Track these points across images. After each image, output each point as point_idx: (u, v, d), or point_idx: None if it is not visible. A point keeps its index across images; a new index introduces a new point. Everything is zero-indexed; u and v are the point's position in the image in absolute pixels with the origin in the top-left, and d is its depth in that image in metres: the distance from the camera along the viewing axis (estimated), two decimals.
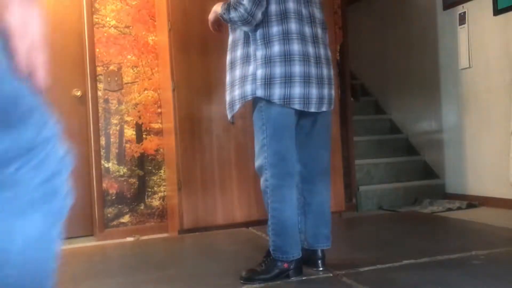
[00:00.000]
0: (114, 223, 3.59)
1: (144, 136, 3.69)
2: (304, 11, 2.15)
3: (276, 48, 2.07)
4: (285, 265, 2.13)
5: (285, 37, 2.08)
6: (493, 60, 4.05)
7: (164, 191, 3.72)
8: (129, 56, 3.67)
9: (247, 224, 3.52)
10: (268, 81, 2.07)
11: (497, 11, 3.99)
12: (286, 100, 2.07)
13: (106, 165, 3.60)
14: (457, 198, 4.38)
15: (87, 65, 3.59)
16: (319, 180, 2.28)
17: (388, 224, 3.62)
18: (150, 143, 3.71)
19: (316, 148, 2.26)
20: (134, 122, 3.67)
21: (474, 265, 2.25)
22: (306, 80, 2.09)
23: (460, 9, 4.37)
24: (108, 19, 3.64)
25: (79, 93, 3.69)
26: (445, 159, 4.67)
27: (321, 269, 2.23)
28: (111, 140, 3.62)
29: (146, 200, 3.67)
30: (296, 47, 2.08)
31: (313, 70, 2.11)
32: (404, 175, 4.76)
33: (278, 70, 2.06)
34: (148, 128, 3.71)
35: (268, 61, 2.07)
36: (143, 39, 3.70)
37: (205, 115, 3.45)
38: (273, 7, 2.09)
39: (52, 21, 3.67)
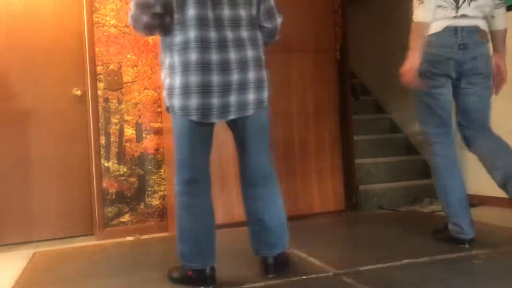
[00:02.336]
0: (114, 222, 3.59)
1: (144, 135, 3.69)
2: (211, 15, 2.02)
3: (177, 58, 2.03)
4: (189, 272, 2.13)
5: (185, 46, 2.00)
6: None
7: (164, 190, 3.72)
8: (129, 55, 3.67)
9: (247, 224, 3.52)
10: (170, 92, 2.06)
11: None
12: (185, 111, 2.03)
13: (106, 164, 3.60)
14: None
15: (87, 64, 3.59)
16: (259, 185, 2.21)
17: (388, 223, 3.61)
18: (150, 142, 3.71)
19: (251, 152, 2.20)
20: (134, 121, 3.67)
21: (474, 265, 2.25)
22: (204, 90, 2.00)
23: None
24: (108, 18, 3.64)
25: (79, 92, 3.69)
26: None
27: (271, 276, 2.19)
28: (111, 139, 3.62)
29: (146, 199, 3.67)
30: (193, 56, 1.99)
31: (214, 79, 2.00)
32: (404, 174, 4.76)
33: (177, 80, 2.03)
34: (148, 127, 3.71)
35: (171, 71, 2.06)
36: (143, 38, 3.69)
37: None
38: (176, 16, 2.02)
39: (52, 20, 3.67)
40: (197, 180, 2.14)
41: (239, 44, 2.05)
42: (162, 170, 3.72)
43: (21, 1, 3.61)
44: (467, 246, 2.50)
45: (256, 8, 2.11)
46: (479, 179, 4.26)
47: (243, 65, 2.04)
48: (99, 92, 3.60)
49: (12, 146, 3.57)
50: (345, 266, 2.30)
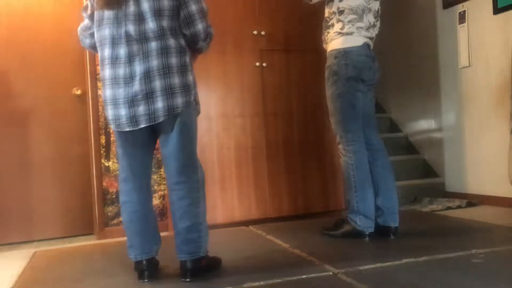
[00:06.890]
0: (114, 221, 3.60)
1: None
2: (122, 31, 2.15)
3: (100, 73, 2.26)
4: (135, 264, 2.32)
5: (102, 63, 2.22)
6: (492, 59, 4.06)
7: (164, 189, 3.72)
8: None
9: (246, 223, 3.53)
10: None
11: (497, 10, 3.99)
12: (108, 120, 2.26)
13: (106, 164, 3.60)
14: (456, 197, 4.39)
15: (87, 64, 3.59)
16: (172, 189, 2.29)
17: None
18: None
19: (167, 156, 2.28)
20: None
21: (474, 264, 2.26)
22: (114, 102, 2.18)
23: (460, 8, 4.38)
24: None
25: (79, 92, 3.69)
26: (445, 158, 4.67)
27: (187, 280, 2.22)
28: (111, 139, 3.62)
29: None
30: (107, 72, 2.19)
31: (121, 92, 2.15)
32: (404, 174, 4.76)
33: (103, 94, 2.25)
34: None
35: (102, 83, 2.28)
36: None
37: (205, 114, 3.45)
38: (96, 35, 2.25)
39: (52, 20, 3.68)
40: (129, 180, 2.30)
41: (145, 56, 2.15)
42: (161, 170, 3.72)
43: (21, 1, 3.61)
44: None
45: (169, 18, 2.18)
46: (479, 178, 4.27)
47: (148, 75, 2.14)
48: (99, 92, 3.60)
49: (12, 146, 3.58)
50: (345, 265, 2.30)
